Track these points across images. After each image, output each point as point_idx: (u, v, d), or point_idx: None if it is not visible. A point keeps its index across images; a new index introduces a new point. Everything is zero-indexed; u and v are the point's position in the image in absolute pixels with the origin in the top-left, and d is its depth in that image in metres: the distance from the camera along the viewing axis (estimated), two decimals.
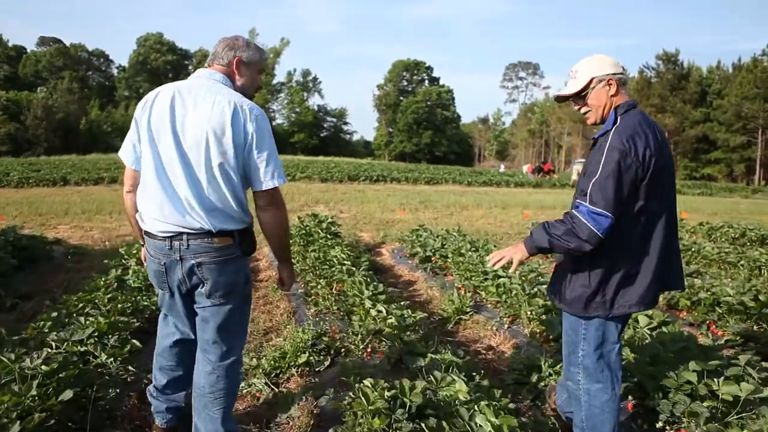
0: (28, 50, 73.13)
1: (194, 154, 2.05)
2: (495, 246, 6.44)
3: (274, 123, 74.11)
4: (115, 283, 4.36)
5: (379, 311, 3.68)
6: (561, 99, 2.44)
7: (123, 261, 5.09)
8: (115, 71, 78.89)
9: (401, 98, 78.19)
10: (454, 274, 5.80)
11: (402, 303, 3.84)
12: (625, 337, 3.59)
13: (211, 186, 2.07)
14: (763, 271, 6.10)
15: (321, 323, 4.24)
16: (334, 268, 5.19)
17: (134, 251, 5.41)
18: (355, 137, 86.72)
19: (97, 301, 3.71)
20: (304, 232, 6.78)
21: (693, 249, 7.08)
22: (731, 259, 6.50)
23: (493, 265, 2.35)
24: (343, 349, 3.65)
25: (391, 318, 3.57)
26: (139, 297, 4.07)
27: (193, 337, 2.37)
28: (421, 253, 6.47)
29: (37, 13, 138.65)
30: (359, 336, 3.66)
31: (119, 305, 3.65)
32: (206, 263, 2.11)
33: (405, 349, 3.32)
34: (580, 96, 2.33)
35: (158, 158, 2.09)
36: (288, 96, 76.62)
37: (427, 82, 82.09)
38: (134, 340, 3.28)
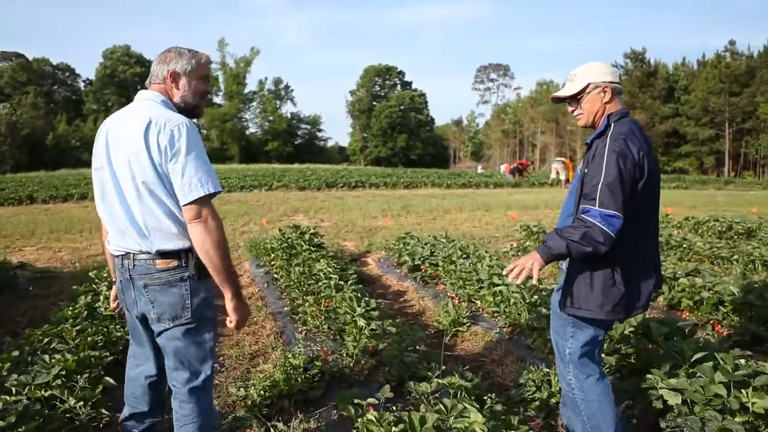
0: None
1: (123, 177, 2.03)
2: (486, 252, 6.23)
3: (247, 132, 73.40)
4: (85, 311, 4.01)
5: (374, 330, 3.41)
6: (557, 100, 2.52)
7: (93, 286, 4.73)
8: (81, 85, 77.14)
9: (374, 103, 78.22)
10: (446, 282, 5.56)
11: (398, 320, 3.59)
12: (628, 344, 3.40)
13: (142, 206, 2.01)
14: (757, 266, 6.00)
15: (311, 344, 3.96)
16: (320, 283, 4.90)
17: (104, 274, 5.04)
18: (330, 143, 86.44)
19: (64, 334, 3.37)
20: (286, 245, 6.47)
21: (684, 245, 6.97)
22: (724, 254, 6.40)
23: (513, 280, 2.25)
24: (338, 374, 3.37)
25: (387, 338, 3.30)
26: (111, 326, 3.73)
27: (154, 370, 2.29)
28: (409, 262, 6.23)
29: None
30: (354, 357, 3.39)
31: (89, 338, 3.31)
32: (151, 285, 2.06)
33: (406, 371, 3.07)
34: (575, 98, 2.43)
35: (102, 186, 2.11)
36: (260, 105, 75.93)
37: (399, 86, 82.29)
38: (107, 377, 2.96)
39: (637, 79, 57.26)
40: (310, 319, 4.31)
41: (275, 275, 5.80)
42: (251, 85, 78.41)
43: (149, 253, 2.03)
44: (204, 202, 1.97)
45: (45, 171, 39.24)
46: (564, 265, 2.49)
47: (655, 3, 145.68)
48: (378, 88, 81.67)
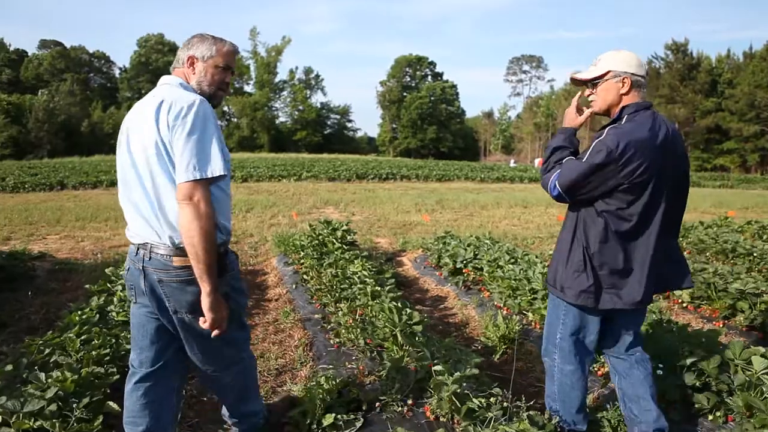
0: (30, 53, 72.69)
1: (140, 163, 1.97)
2: (537, 257, 5.65)
3: (277, 121, 73.46)
4: (96, 315, 3.61)
5: (418, 351, 2.90)
6: (576, 81, 2.47)
7: (108, 285, 4.34)
8: (116, 72, 78.28)
9: (404, 94, 77.45)
10: (491, 290, 5.02)
11: (448, 340, 3.08)
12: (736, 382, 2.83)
13: (156, 193, 1.95)
14: None
15: (345, 361, 3.48)
16: (355, 288, 4.43)
17: (121, 271, 4.65)
18: (359, 134, 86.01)
19: (67, 345, 2.95)
20: (317, 242, 6.01)
21: (755, 253, 6.27)
22: None
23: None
24: (376, 401, 2.88)
25: (437, 365, 2.80)
26: (123, 334, 3.31)
27: (152, 368, 2.16)
28: (450, 265, 5.70)
29: (36, 16, 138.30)
30: (397, 385, 2.89)
31: (94, 351, 2.89)
32: (166, 281, 1.99)
33: (460, 409, 2.56)
34: (593, 83, 2.39)
35: (122, 173, 2.06)
36: (291, 94, 75.87)
37: (430, 77, 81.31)
38: (111, 402, 2.54)
39: (678, 72, 55.16)
40: (343, 330, 3.83)
41: (305, 276, 5.34)
42: (282, 74, 78.55)
43: (167, 246, 1.96)
44: (198, 184, 1.85)
45: (79, 157, 39.84)
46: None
47: None
48: (408, 79, 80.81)
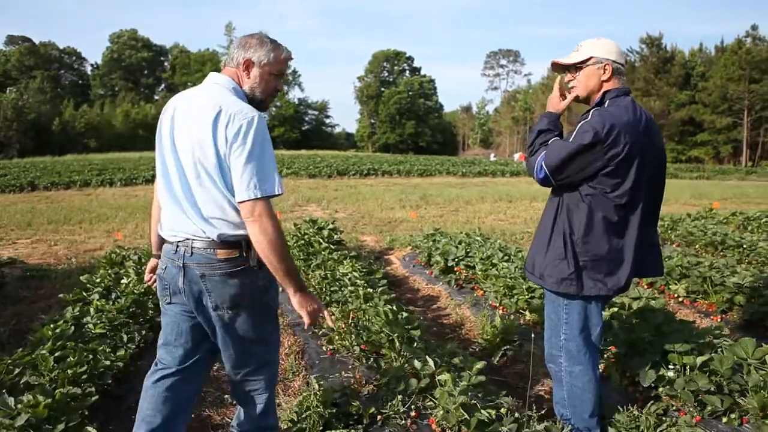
0: None
1: (186, 161, 1.99)
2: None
3: None
4: (72, 328, 3.36)
5: (426, 365, 2.73)
6: (557, 66, 2.47)
7: (84, 294, 4.08)
8: (88, 69, 76.51)
9: (383, 89, 77.25)
10: (485, 289, 4.88)
11: (450, 345, 2.92)
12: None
13: (204, 192, 1.97)
14: None
15: (341, 370, 3.30)
16: (346, 290, 4.24)
17: (97, 278, 4.40)
18: (337, 130, 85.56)
19: (39, 364, 2.71)
20: (303, 242, 5.80)
21: (744, 245, 6.24)
22: None
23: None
24: (377, 414, 2.71)
25: (442, 373, 2.63)
26: (101, 349, 3.08)
27: (180, 367, 2.17)
28: (441, 263, 5.54)
29: (3, 11, 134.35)
30: (399, 396, 2.72)
31: (70, 369, 2.66)
32: (209, 275, 2.00)
33: (469, 422, 2.40)
34: (575, 67, 2.40)
35: (164, 166, 2.07)
36: None
37: (408, 72, 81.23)
38: (90, 428, 2.32)
39: (653, 65, 55.92)
40: (336, 337, 3.65)
41: (300, 282, 5.14)
42: None
43: (210, 240, 1.98)
44: (258, 201, 1.89)
45: (51, 156, 38.81)
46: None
47: None
48: (386, 74, 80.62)
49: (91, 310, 3.66)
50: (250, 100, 2.09)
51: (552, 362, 2.56)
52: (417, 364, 2.78)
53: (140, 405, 2.18)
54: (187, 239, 2.01)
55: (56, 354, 2.83)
